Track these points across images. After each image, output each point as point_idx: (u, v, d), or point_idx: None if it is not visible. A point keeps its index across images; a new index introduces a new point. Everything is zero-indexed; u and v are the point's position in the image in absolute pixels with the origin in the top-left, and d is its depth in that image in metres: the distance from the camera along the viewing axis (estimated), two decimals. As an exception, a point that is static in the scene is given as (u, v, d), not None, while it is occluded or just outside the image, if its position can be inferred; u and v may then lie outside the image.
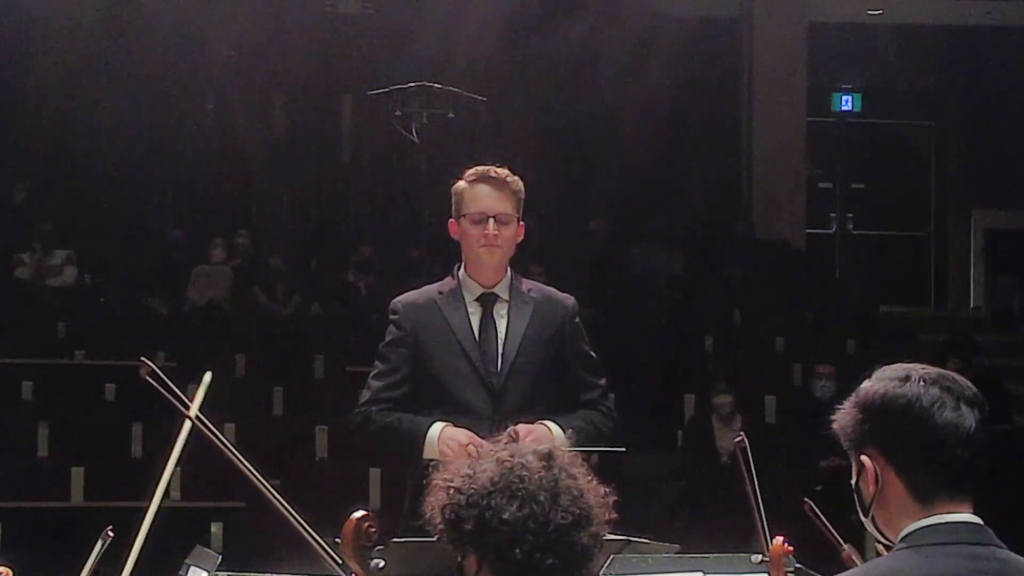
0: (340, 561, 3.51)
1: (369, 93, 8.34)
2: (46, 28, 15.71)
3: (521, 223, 5.00)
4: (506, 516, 2.64)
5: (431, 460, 4.62)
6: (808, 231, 17.55)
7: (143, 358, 3.73)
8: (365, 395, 5.01)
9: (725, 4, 17.47)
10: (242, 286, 14.46)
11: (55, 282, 14.37)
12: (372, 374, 5.04)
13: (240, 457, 3.69)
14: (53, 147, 16.04)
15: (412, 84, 7.64)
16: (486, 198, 4.92)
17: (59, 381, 12.15)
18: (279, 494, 3.73)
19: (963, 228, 19.07)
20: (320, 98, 17.26)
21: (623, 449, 5.01)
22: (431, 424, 4.85)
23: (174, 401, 3.78)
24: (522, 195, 5.00)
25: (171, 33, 16.12)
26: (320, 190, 16.93)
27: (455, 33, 15.22)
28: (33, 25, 15.78)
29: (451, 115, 7.74)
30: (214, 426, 3.79)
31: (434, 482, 2.76)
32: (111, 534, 3.85)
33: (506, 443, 2.80)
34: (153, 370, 3.70)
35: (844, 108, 19.04)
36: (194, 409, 3.80)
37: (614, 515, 2.78)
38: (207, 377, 3.98)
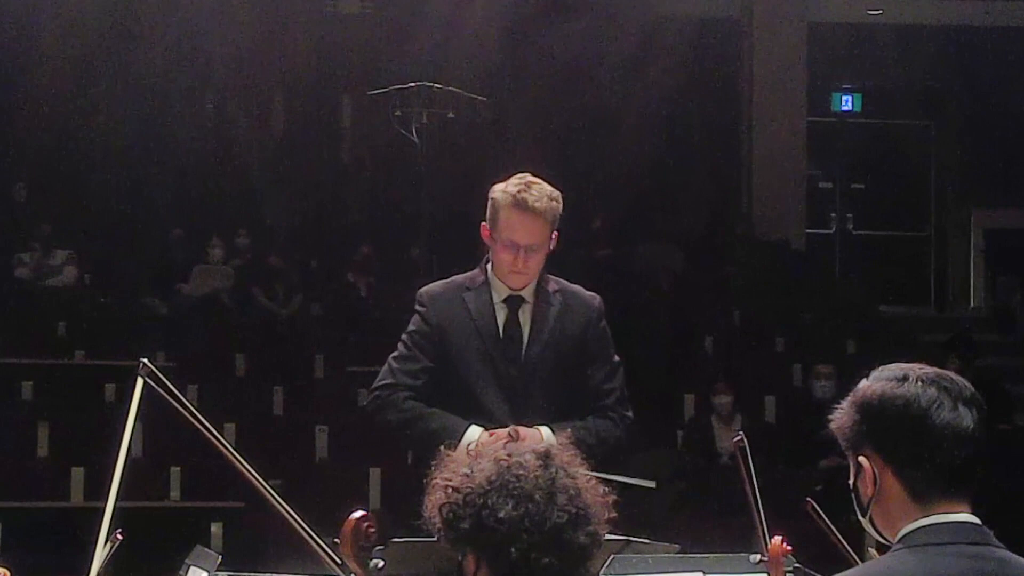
0: (338, 561, 3.51)
1: (369, 93, 8.34)
2: (46, 28, 15.71)
3: (555, 233, 4.92)
4: (502, 515, 2.64)
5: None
6: (808, 231, 17.54)
7: (143, 359, 3.72)
8: (387, 377, 4.94)
9: (725, 4, 17.46)
10: (242, 286, 14.46)
11: (55, 282, 14.36)
12: (394, 355, 4.97)
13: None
14: (53, 147, 16.03)
15: (412, 84, 7.64)
16: (520, 229, 4.83)
17: (59, 381, 12.15)
18: (279, 494, 3.73)
19: (963, 228, 19.06)
20: (320, 98, 17.25)
21: (653, 485, 4.99)
22: (468, 427, 4.82)
23: (173, 401, 3.78)
24: (560, 210, 4.89)
25: (171, 33, 16.12)
26: (320, 190, 16.92)
27: (455, 33, 15.21)
28: (33, 25, 15.77)
29: (451, 115, 7.74)
30: (214, 427, 3.79)
31: (433, 481, 2.76)
32: (120, 537, 3.85)
33: (506, 443, 2.80)
34: (152, 371, 3.70)
35: (844, 108, 19.03)
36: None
37: (613, 514, 2.78)
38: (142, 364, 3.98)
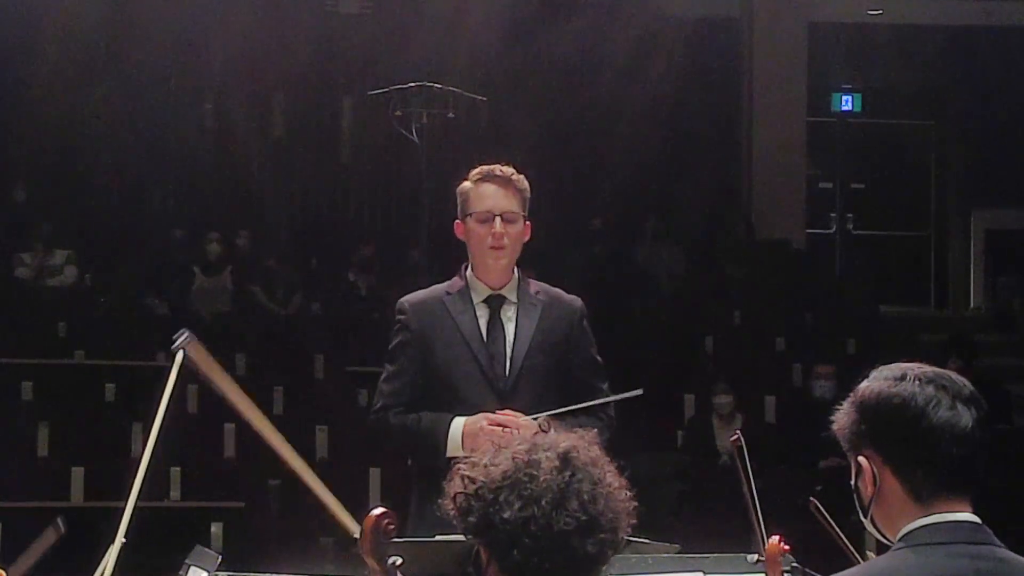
0: (354, 533, 3.51)
1: (369, 93, 8.33)
2: (46, 28, 15.70)
3: (527, 222, 4.99)
4: (507, 515, 2.62)
5: (451, 459, 4.62)
6: (808, 231, 17.54)
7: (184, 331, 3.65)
8: (378, 400, 5.01)
9: (725, 4, 17.46)
10: (242, 286, 14.45)
11: (55, 282, 14.35)
12: (383, 377, 5.03)
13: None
14: (53, 147, 16.03)
15: (412, 84, 7.64)
16: (492, 197, 4.90)
17: (59, 381, 12.14)
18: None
19: (963, 228, 19.07)
20: (320, 98, 17.25)
21: (640, 392, 5.00)
22: (451, 420, 4.85)
23: (210, 375, 3.74)
24: (528, 194, 4.98)
25: (171, 33, 16.12)
26: (320, 190, 16.92)
27: (455, 33, 15.21)
28: (34, 25, 15.77)
29: (451, 115, 7.74)
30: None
31: (457, 465, 2.75)
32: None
33: (534, 435, 2.75)
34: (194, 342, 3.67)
35: (844, 108, 19.03)
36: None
37: (634, 520, 2.73)
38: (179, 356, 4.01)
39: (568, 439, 2.73)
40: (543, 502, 2.62)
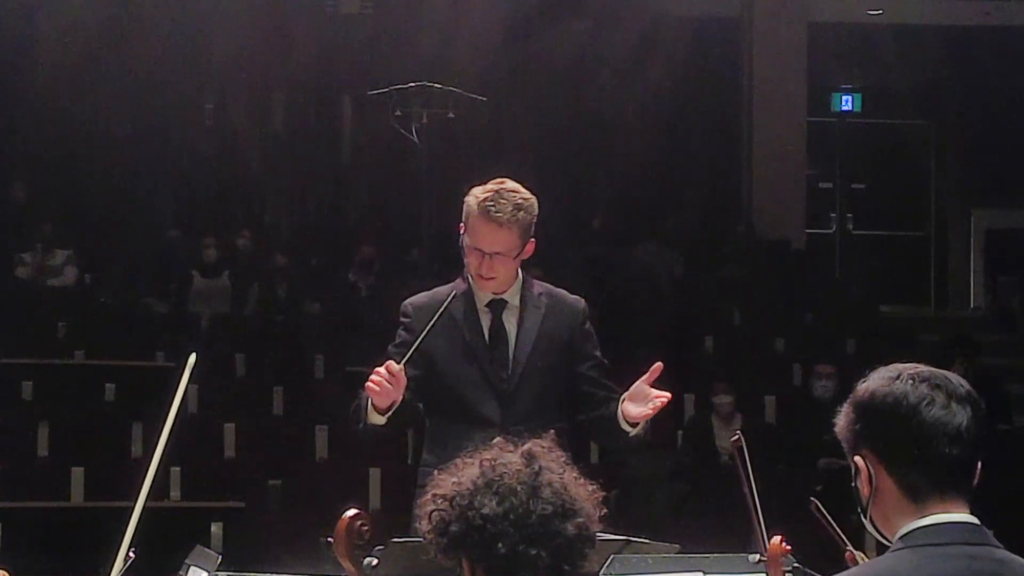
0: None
1: (369, 93, 8.34)
2: (46, 28, 15.71)
3: (531, 240, 4.97)
4: (486, 511, 2.67)
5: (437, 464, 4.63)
6: (808, 231, 17.55)
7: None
8: None
9: (725, 4, 17.46)
10: (242, 286, 14.45)
11: (55, 282, 14.36)
12: None
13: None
14: (53, 147, 16.03)
15: (412, 84, 7.65)
16: (485, 236, 4.87)
17: (59, 381, 12.14)
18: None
19: (963, 228, 19.07)
20: (320, 98, 17.26)
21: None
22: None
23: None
24: (533, 217, 4.93)
25: (171, 33, 16.13)
26: (320, 190, 16.92)
27: (455, 33, 15.21)
28: (33, 25, 15.78)
29: (451, 115, 7.75)
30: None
31: (424, 498, 2.79)
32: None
33: (492, 445, 2.82)
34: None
35: (844, 108, 19.03)
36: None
37: (604, 510, 2.79)
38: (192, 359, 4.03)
39: (527, 442, 2.82)
40: (518, 491, 2.70)
